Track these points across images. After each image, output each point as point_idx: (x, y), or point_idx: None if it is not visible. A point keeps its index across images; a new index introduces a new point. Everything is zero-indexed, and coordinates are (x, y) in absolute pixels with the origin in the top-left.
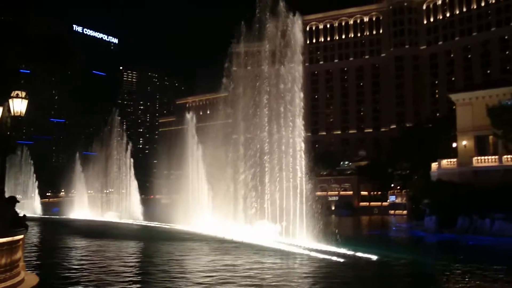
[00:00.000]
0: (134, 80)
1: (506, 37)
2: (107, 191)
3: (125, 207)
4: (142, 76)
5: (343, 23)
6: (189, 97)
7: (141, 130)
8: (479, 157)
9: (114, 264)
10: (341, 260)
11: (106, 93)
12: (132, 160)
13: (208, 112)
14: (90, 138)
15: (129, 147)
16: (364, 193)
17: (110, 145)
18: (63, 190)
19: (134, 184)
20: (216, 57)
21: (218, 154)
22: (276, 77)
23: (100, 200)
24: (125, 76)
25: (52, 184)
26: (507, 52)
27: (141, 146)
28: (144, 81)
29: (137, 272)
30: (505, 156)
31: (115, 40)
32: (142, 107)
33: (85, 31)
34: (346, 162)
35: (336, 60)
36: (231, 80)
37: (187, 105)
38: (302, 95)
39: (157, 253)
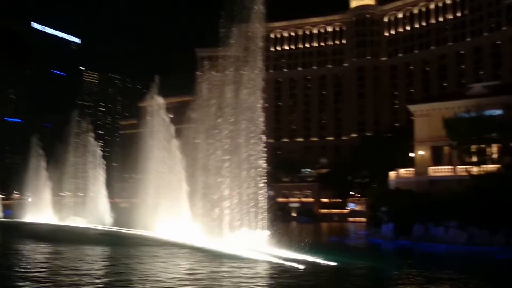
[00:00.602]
0: (95, 81)
1: (462, 52)
2: (65, 194)
3: (91, 211)
4: (104, 77)
5: (307, 32)
6: (152, 100)
7: (101, 132)
8: (435, 167)
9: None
10: (301, 266)
11: (66, 94)
12: (104, 161)
13: (172, 116)
14: (47, 138)
15: (98, 149)
16: (324, 200)
17: (71, 148)
18: (17, 192)
19: (102, 186)
20: (182, 61)
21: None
22: (237, 83)
23: (60, 203)
24: (86, 76)
25: (7, 185)
26: (462, 66)
27: (101, 148)
28: (106, 82)
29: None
30: (459, 167)
31: (77, 40)
32: (103, 109)
33: (45, 29)
34: (308, 169)
35: (299, 68)
36: (196, 84)
37: (150, 108)
38: (261, 102)
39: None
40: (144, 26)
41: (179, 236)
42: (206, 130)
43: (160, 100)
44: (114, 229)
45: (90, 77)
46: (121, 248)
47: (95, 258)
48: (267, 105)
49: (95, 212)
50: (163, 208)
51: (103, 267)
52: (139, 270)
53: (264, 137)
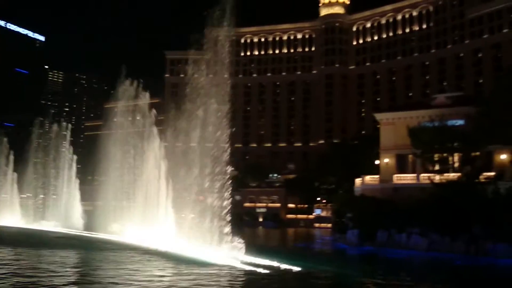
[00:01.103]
0: (60, 80)
1: (427, 63)
2: (30, 196)
3: (60, 214)
4: (69, 77)
5: (277, 38)
6: (119, 102)
7: (65, 133)
8: (399, 175)
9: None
10: (266, 272)
11: (29, 92)
12: (75, 164)
13: (138, 118)
14: (10, 137)
15: (70, 150)
16: (291, 205)
17: (36, 148)
18: None
19: (73, 189)
20: (150, 62)
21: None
22: (204, 87)
23: (27, 205)
24: (50, 75)
25: None
26: (427, 77)
27: (64, 149)
28: (71, 82)
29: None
30: (423, 175)
31: (41, 38)
32: (67, 109)
33: (8, 25)
34: (275, 175)
35: (269, 74)
36: (163, 86)
37: (116, 110)
38: (227, 107)
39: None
40: (112, 27)
41: (145, 241)
42: (173, 134)
43: (127, 102)
44: (79, 233)
45: (54, 76)
46: (82, 252)
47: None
48: (231, 110)
49: (65, 215)
50: (126, 212)
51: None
52: (92, 275)
53: (226, 145)
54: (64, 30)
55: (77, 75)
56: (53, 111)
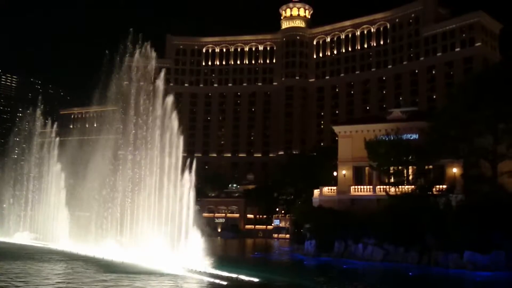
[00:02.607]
0: (13, 85)
1: (383, 78)
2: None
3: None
4: (23, 81)
5: (239, 49)
6: (75, 108)
7: (17, 139)
8: (356, 186)
9: None
10: (224, 283)
11: None
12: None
13: (95, 125)
14: None
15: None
16: (250, 216)
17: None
18: None
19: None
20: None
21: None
22: (157, 96)
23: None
24: (3, 79)
25: None
26: (384, 92)
27: (16, 156)
28: (25, 87)
29: None
30: (379, 187)
31: None
32: (20, 115)
33: None
34: (235, 185)
35: (230, 84)
36: (119, 94)
37: (73, 116)
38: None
39: None
40: (62, 31)
41: (96, 252)
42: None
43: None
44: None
45: (8, 80)
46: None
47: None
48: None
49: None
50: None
51: None
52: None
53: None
54: (18, 34)
55: (31, 79)
56: (4, 116)
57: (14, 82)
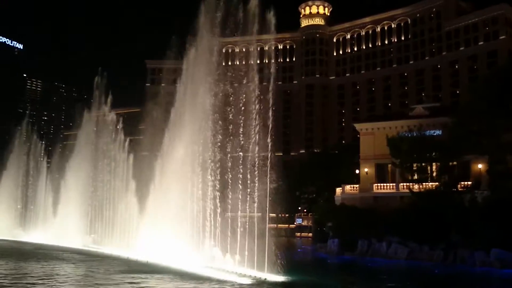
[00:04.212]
0: (38, 89)
1: (405, 74)
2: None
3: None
4: (48, 85)
5: (258, 48)
6: (99, 111)
7: (43, 142)
8: (378, 184)
9: None
10: (249, 281)
11: (6, 102)
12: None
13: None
14: None
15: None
16: (272, 215)
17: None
18: None
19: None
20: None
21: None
22: (189, 96)
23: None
24: (29, 84)
25: None
26: (405, 88)
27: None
28: (50, 91)
29: None
30: (402, 184)
31: (20, 46)
32: (46, 118)
33: None
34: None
35: (249, 84)
36: (144, 96)
37: (96, 119)
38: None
39: None
40: (93, 35)
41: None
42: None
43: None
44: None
45: (33, 84)
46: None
47: None
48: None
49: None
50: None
51: None
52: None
53: (211, 151)
54: (43, 38)
55: (56, 83)
56: (31, 120)
57: (39, 86)
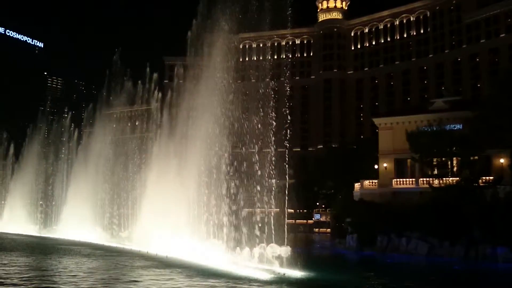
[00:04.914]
0: (59, 87)
1: (424, 67)
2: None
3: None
4: (68, 83)
5: (275, 44)
6: (118, 107)
7: (63, 139)
8: (398, 179)
9: None
10: (269, 276)
11: (28, 99)
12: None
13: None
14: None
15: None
16: (290, 210)
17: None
18: None
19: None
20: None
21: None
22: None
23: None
24: (49, 82)
25: None
26: (425, 82)
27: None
28: (70, 88)
29: None
30: (421, 179)
31: (40, 44)
32: (66, 115)
33: (8, 32)
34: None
35: (267, 80)
36: (160, 93)
37: (115, 116)
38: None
39: None
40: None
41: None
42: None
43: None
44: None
45: (53, 82)
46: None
47: None
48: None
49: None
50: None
51: None
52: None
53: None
54: (63, 37)
55: (76, 81)
56: (51, 117)
57: (59, 84)
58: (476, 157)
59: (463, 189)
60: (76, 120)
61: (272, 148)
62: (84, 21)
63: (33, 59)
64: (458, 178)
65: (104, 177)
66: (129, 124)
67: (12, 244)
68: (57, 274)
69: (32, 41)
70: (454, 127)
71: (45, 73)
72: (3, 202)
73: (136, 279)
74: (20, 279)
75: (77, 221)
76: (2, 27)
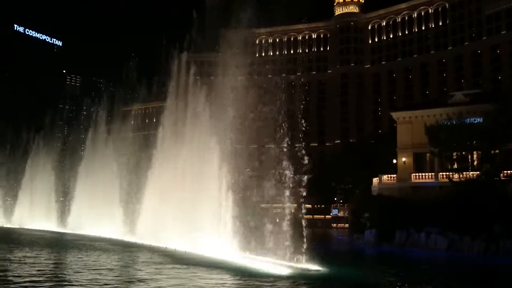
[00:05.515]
0: (78, 84)
1: (443, 60)
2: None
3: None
4: (86, 81)
5: (292, 39)
6: (135, 105)
7: (83, 136)
8: (417, 174)
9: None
10: (284, 272)
11: (47, 97)
12: None
13: (154, 120)
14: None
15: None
16: (308, 206)
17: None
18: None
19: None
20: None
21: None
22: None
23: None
24: (68, 80)
25: None
26: (444, 74)
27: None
28: (89, 86)
29: None
30: (441, 173)
31: (59, 43)
32: (85, 113)
33: (27, 31)
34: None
35: (283, 75)
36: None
37: (133, 113)
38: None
39: None
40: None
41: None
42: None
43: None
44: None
45: (72, 80)
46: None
47: None
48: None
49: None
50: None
51: None
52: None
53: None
54: (82, 35)
55: (94, 79)
56: (70, 115)
57: (78, 82)
58: (497, 151)
59: (484, 183)
60: (95, 117)
61: (289, 143)
62: (102, 19)
63: (52, 58)
64: (478, 172)
65: (122, 173)
66: (146, 121)
67: (32, 239)
68: (79, 269)
69: (51, 40)
70: (474, 120)
71: (64, 71)
72: (22, 198)
73: (168, 276)
74: (41, 275)
75: (96, 217)
76: (21, 26)
